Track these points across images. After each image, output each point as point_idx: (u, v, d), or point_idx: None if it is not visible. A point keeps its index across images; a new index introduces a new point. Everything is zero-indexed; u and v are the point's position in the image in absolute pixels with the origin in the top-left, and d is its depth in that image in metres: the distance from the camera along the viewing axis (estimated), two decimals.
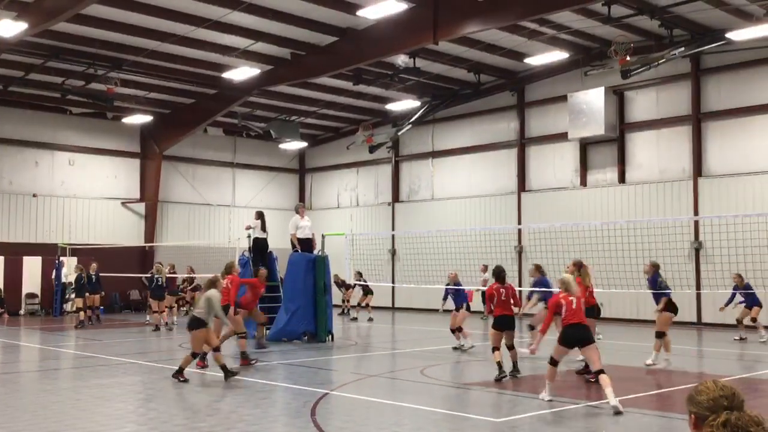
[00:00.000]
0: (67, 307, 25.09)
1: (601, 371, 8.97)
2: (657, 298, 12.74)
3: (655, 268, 12.84)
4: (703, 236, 20.94)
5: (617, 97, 23.27)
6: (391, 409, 9.11)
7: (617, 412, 8.46)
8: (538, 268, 14.66)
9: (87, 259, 22.89)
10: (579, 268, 11.86)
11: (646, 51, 20.16)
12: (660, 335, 12.56)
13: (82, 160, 27.53)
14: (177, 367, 10.89)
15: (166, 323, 19.96)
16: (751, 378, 11.83)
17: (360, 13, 18.24)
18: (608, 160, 23.72)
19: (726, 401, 2.66)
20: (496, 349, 10.95)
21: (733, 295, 17.15)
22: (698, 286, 20.73)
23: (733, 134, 21.22)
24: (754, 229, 17.88)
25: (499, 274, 11.27)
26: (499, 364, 10.77)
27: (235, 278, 13.37)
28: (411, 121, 26.91)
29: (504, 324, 11.09)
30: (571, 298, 9.44)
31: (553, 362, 9.42)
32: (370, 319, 23.07)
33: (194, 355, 11.03)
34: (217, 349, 10.91)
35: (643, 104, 23.08)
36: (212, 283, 11.28)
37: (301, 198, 32.89)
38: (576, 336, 9.32)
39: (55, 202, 26.86)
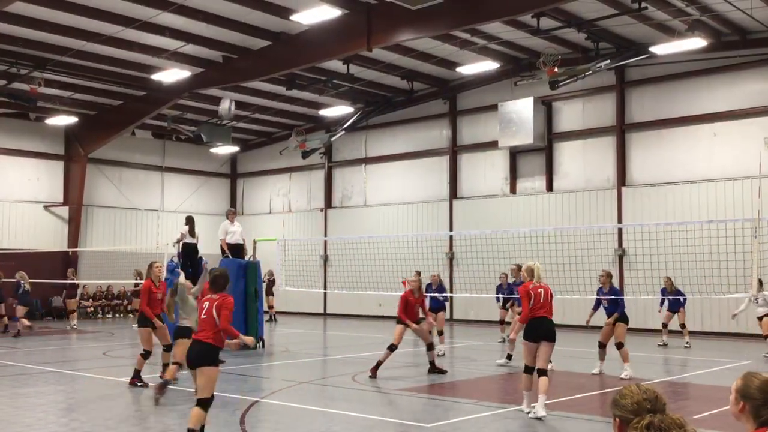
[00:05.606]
0: None
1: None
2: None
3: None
4: (627, 243, 21.59)
5: (545, 107, 23.80)
6: (322, 416, 9.06)
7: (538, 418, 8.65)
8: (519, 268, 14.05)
9: (6, 265, 22.00)
10: None
11: (573, 63, 20.70)
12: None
13: (3, 162, 26.48)
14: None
15: (19, 330, 19.53)
16: (673, 381, 12.23)
17: (294, 17, 18.16)
18: (537, 169, 24.22)
19: (649, 404, 2.74)
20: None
21: (663, 300, 17.43)
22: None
23: (655, 145, 21.94)
24: (674, 236, 18.62)
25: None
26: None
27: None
28: (344, 127, 26.90)
29: None
30: (539, 289, 9.15)
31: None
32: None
33: None
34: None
35: (570, 115, 23.67)
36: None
37: (233, 203, 32.49)
38: (542, 328, 9.05)
39: None
